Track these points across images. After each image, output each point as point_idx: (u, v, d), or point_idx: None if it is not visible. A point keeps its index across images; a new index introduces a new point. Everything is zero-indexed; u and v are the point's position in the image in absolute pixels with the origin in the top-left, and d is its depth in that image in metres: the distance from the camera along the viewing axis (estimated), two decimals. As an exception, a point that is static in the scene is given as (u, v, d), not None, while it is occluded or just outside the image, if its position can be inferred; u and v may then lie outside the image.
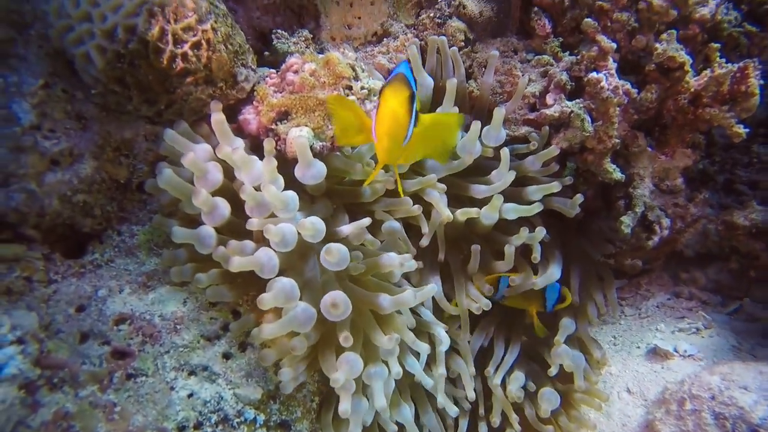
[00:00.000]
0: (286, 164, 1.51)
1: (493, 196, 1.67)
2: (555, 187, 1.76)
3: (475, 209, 1.68)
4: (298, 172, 1.45)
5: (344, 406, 1.34)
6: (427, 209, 1.72)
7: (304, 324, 1.34)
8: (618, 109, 1.71)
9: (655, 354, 1.99)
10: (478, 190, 1.75)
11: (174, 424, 1.29)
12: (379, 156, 1.20)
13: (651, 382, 1.89)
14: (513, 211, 1.74)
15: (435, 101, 1.84)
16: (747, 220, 2.00)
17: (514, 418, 1.76)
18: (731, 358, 1.89)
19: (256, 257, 1.34)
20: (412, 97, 1.10)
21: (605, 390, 1.94)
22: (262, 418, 1.39)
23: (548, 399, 1.75)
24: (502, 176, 1.72)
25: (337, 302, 1.31)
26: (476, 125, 1.68)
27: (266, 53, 1.87)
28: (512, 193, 1.79)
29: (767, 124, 2.38)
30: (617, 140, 1.78)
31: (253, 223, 1.38)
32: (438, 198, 1.66)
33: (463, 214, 1.71)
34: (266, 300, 1.31)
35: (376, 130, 1.11)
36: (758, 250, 2.03)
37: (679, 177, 1.93)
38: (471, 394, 1.71)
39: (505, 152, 1.71)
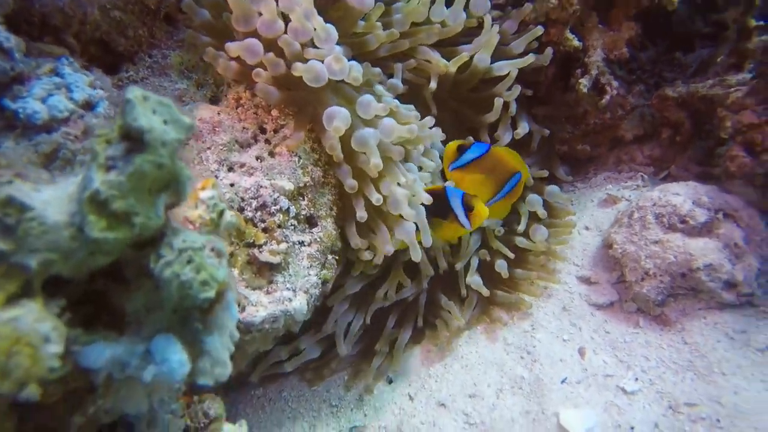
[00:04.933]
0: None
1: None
2: (529, 60, 2.04)
3: (466, 53, 1.95)
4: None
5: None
6: (421, 67, 1.98)
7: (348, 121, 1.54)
8: (578, -22, 2.04)
9: (606, 201, 2.37)
10: (466, 48, 1.99)
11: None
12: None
13: (604, 219, 2.27)
14: (507, 65, 2.00)
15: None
16: (675, 92, 2.41)
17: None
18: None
19: (312, 65, 1.50)
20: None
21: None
22: (293, 209, 1.58)
23: (541, 233, 2.06)
24: (487, 32, 1.98)
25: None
26: None
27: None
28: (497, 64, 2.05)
29: (685, 36, 2.85)
30: (577, 7, 2.11)
31: (311, 52, 1.54)
32: (432, 53, 1.91)
33: (455, 62, 1.94)
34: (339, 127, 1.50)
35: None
36: (683, 118, 2.45)
37: (625, 47, 2.31)
38: None
39: (487, 19, 1.98)
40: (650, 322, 1.89)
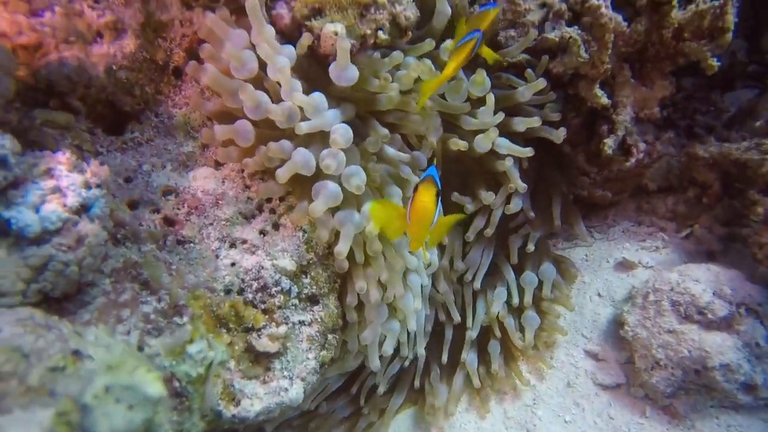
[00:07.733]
0: (318, 60, 1.61)
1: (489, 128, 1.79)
2: (535, 122, 1.90)
3: (464, 143, 1.82)
4: (334, 73, 1.54)
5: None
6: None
7: (336, 199, 1.48)
8: (613, 36, 1.90)
9: (622, 265, 2.28)
10: (468, 122, 1.86)
11: (222, 286, 1.41)
12: (412, 237, 1.31)
13: (618, 287, 2.18)
14: (506, 148, 1.87)
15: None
16: (706, 152, 2.28)
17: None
18: (684, 269, 2.20)
19: (295, 162, 1.43)
20: (438, 194, 1.22)
21: (578, 295, 2.22)
22: (295, 289, 1.52)
23: (530, 323, 1.98)
24: (487, 117, 1.82)
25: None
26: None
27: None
28: (502, 123, 1.89)
29: (725, 73, 2.68)
30: (608, 66, 1.98)
31: (303, 127, 1.44)
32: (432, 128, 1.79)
33: (453, 144, 1.84)
34: (316, 208, 1.44)
35: (411, 218, 1.22)
36: (712, 179, 2.33)
37: (656, 107, 2.18)
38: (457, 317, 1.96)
39: (490, 98, 1.81)
40: (658, 412, 1.83)
